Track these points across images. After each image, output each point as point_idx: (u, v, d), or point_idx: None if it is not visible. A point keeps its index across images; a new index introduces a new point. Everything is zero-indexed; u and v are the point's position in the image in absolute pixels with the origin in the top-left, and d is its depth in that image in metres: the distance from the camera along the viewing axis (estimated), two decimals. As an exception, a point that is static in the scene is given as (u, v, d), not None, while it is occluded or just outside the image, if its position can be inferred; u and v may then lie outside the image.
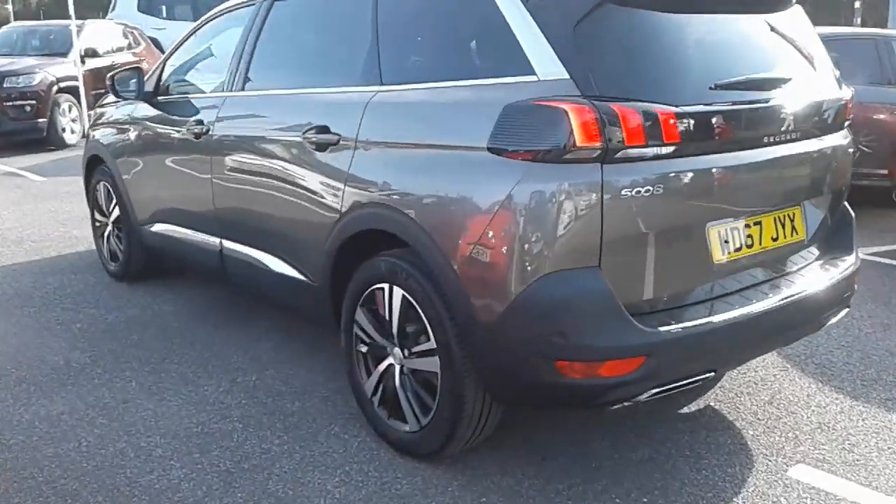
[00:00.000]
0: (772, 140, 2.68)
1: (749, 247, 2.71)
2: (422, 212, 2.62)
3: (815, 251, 3.03)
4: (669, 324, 2.46)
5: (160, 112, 4.31)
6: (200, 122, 3.85)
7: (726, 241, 2.63)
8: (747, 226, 2.70)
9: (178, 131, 4.09)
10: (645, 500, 2.66)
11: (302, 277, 3.30)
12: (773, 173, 2.73)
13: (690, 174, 2.45)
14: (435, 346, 2.66)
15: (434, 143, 2.65)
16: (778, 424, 3.15)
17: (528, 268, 2.37)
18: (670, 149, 2.40)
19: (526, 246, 2.37)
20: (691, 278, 2.59)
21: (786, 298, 2.72)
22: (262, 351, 3.91)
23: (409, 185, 2.70)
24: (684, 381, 2.55)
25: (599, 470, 2.83)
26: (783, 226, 2.83)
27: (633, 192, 2.36)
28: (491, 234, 2.41)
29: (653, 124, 2.35)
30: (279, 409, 3.32)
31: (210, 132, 3.78)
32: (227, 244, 3.80)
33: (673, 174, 2.42)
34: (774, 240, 2.80)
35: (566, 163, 2.34)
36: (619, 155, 2.34)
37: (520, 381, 2.50)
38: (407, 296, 2.74)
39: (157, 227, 4.44)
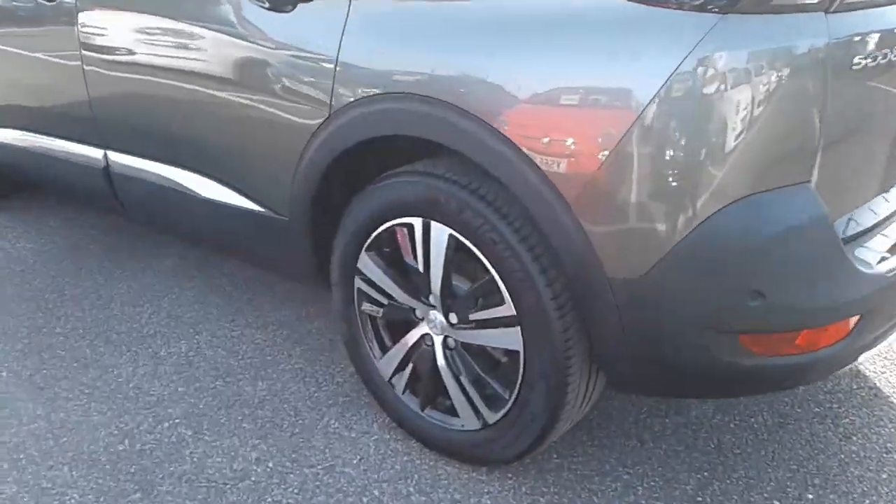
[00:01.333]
0: None
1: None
2: (498, 106, 1.61)
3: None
4: (884, 258, 1.64)
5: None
6: (54, -23, 2.56)
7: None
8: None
9: (15, -7, 2.76)
10: (810, 496, 1.91)
11: (258, 209, 2.22)
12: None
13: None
14: (514, 312, 1.73)
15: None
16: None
17: (707, 191, 1.45)
18: (913, -15, 1.51)
19: (703, 155, 1.44)
20: (888, 184, 1.77)
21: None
22: (183, 305, 2.81)
23: (470, 62, 1.66)
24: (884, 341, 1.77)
25: (723, 451, 2.05)
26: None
27: (868, 60, 1.47)
28: (638, 138, 1.46)
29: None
30: (238, 398, 2.30)
31: (73, -8, 2.50)
32: (118, 159, 2.61)
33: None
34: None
35: (772, 13, 1.40)
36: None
37: (675, 366, 1.63)
38: (458, 236, 1.77)
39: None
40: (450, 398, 1.96)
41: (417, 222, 1.85)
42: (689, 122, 1.43)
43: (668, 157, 1.45)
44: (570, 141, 1.53)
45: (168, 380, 2.38)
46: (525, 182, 1.60)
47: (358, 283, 2.05)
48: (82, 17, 2.46)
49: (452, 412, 1.98)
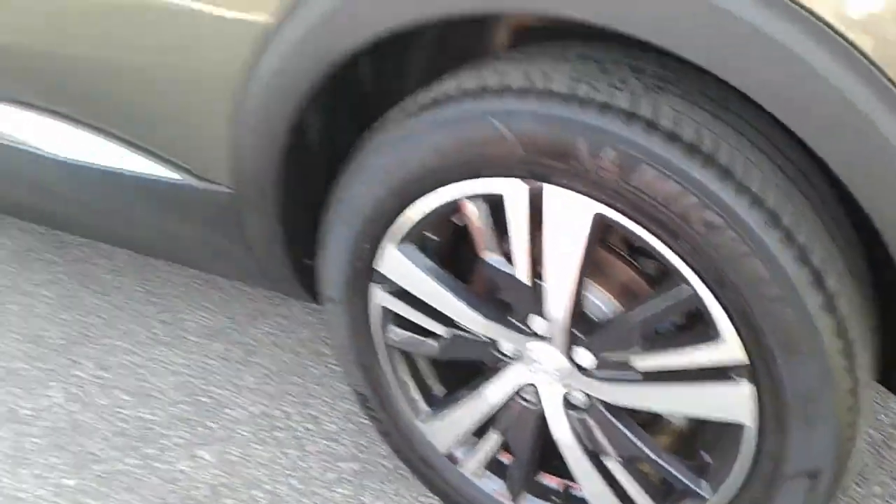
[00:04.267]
0: None
1: None
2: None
3: None
4: None
5: None
6: None
7: None
8: None
9: None
10: None
11: (171, 175, 1.22)
12: None
13: None
14: (745, 358, 0.89)
15: None
16: None
17: None
18: None
19: None
20: None
21: None
22: (28, 310, 1.79)
23: None
24: None
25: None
26: None
27: None
28: None
29: None
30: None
31: None
32: None
33: None
34: None
35: None
36: None
37: None
38: (615, 217, 0.89)
39: None
40: (573, 481, 1.13)
41: (514, 190, 0.95)
42: None
43: None
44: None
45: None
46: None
47: (378, 296, 1.13)
48: None
49: (579, 504, 1.15)
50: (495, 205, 0.98)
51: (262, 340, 1.71)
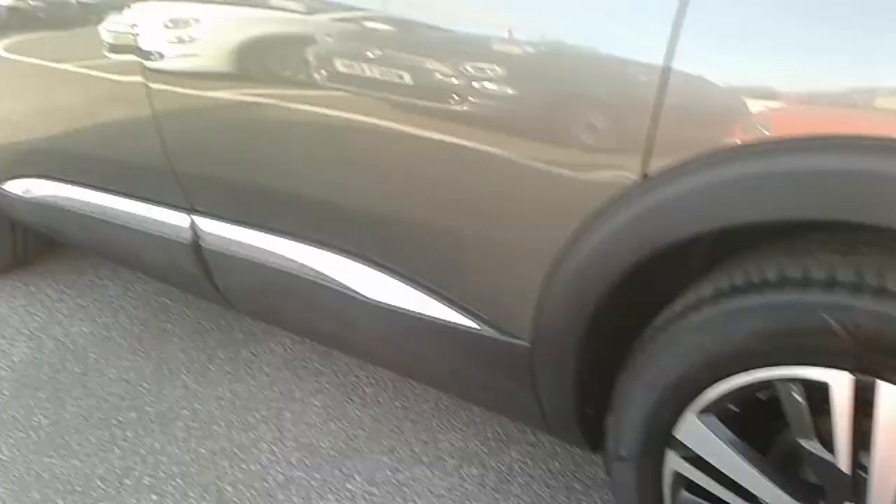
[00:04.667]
0: None
1: None
2: None
3: None
4: None
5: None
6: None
7: None
8: None
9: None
10: None
11: (470, 324, 1.32)
12: None
13: None
14: None
15: None
16: None
17: None
18: None
19: None
20: None
21: None
22: (313, 427, 1.94)
23: None
24: None
25: None
26: None
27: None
28: None
29: None
30: None
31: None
32: (213, 229, 1.73)
33: None
34: None
35: None
36: None
37: None
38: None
39: (30, 188, 2.25)
40: None
41: (839, 381, 0.95)
42: None
43: None
44: None
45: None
46: None
47: (673, 461, 1.15)
48: (136, 11, 1.57)
49: None
50: (816, 392, 0.99)
51: (514, 469, 1.76)
